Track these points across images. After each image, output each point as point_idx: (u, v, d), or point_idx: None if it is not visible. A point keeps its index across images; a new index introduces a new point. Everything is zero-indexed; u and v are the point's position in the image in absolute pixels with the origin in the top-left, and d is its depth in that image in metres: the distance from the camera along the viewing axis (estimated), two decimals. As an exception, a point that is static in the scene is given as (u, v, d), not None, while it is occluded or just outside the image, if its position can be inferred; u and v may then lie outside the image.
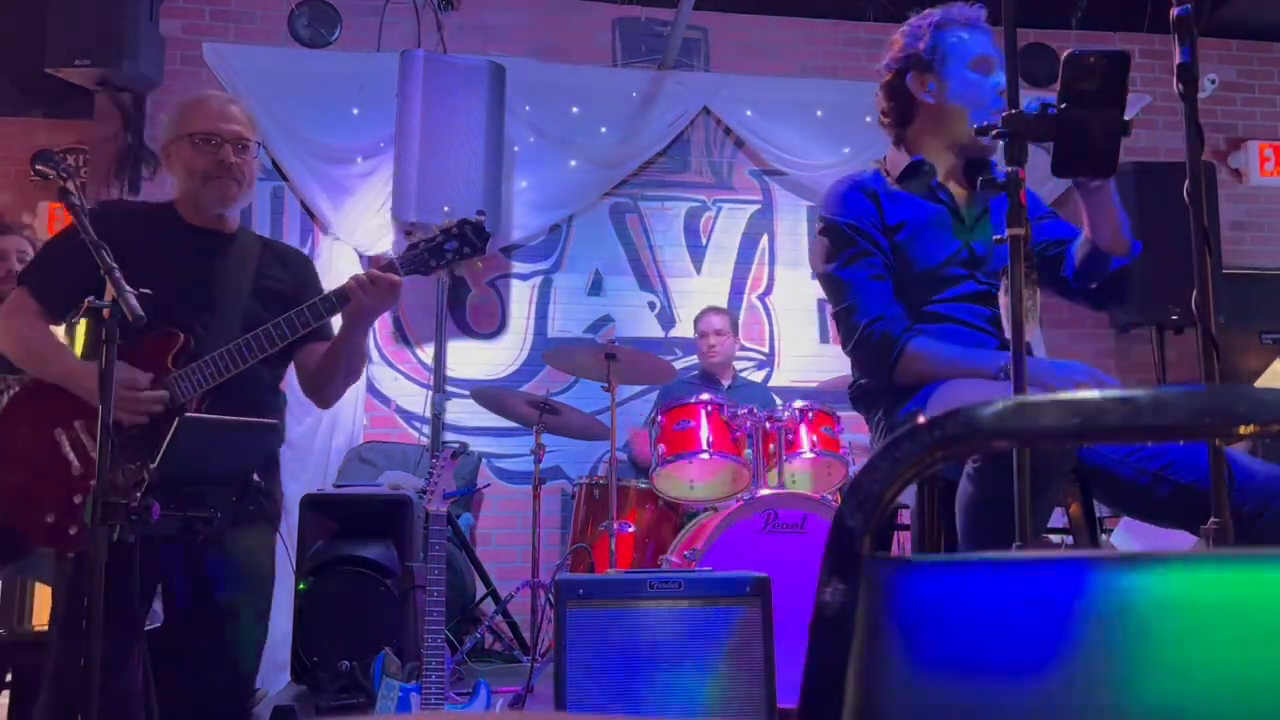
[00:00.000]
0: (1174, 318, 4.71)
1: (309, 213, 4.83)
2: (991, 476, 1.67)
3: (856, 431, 4.49)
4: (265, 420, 2.15)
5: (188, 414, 1.98)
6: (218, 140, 2.15)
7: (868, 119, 5.29)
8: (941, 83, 2.15)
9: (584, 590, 2.49)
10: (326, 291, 2.15)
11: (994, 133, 1.47)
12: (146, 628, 2.06)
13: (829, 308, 2.23)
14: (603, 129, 5.14)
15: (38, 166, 1.89)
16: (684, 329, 5.10)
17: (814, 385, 4.82)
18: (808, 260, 5.31)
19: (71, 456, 1.98)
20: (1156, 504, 1.81)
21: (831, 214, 2.16)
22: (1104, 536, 3.24)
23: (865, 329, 2.03)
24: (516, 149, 4.98)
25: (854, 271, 2.08)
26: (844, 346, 2.13)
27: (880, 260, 2.09)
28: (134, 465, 1.93)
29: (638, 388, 4.94)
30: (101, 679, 1.67)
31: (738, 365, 4.86)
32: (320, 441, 4.61)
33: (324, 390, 2.34)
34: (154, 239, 2.13)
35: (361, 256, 4.83)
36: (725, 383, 4.56)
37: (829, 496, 3.53)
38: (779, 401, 4.34)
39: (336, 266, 4.71)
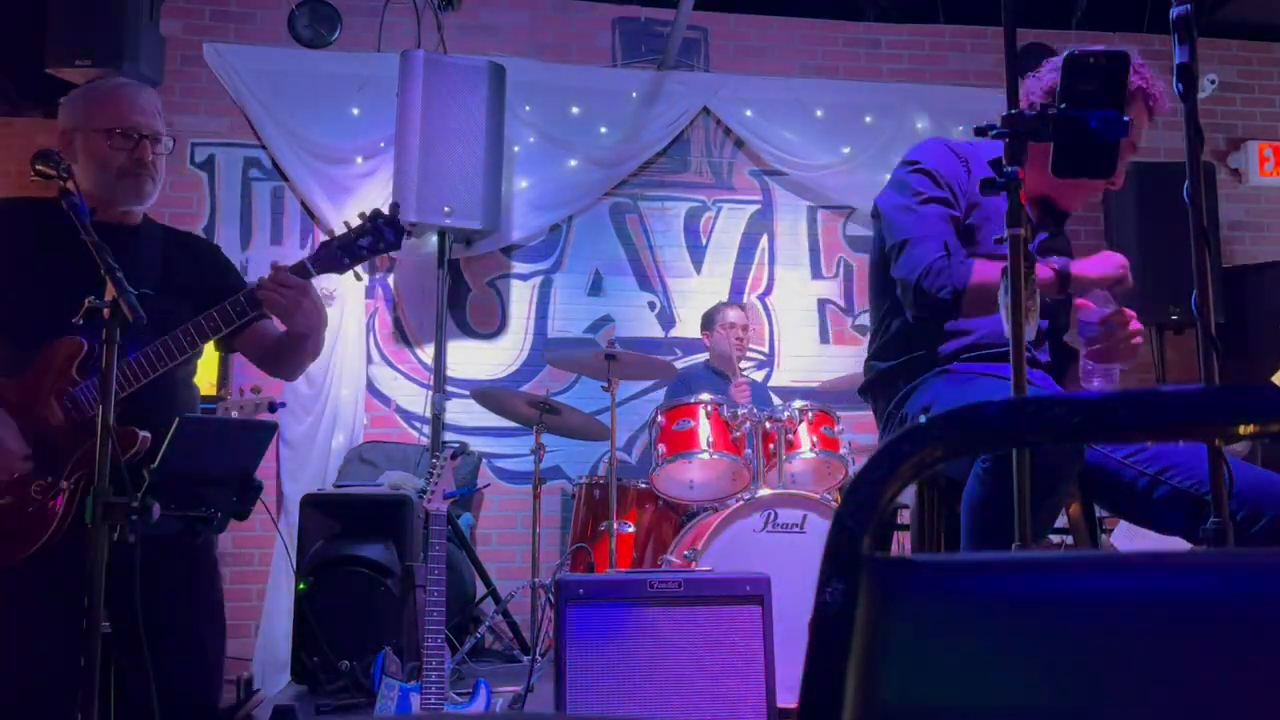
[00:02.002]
0: (1174, 318, 4.70)
1: (309, 213, 4.83)
2: (1001, 478, 1.67)
3: (857, 431, 4.49)
4: (265, 420, 2.13)
5: (187, 414, 1.97)
6: (137, 136, 2.07)
7: (868, 119, 5.30)
8: None
9: (584, 590, 2.49)
10: (239, 293, 2.06)
11: (993, 133, 1.47)
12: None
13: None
14: (603, 129, 5.14)
15: (38, 166, 1.85)
16: (684, 329, 5.10)
17: (814, 385, 4.83)
18: (805, 258, 5.31)
19: None
20: (1152, 507, 1.81)
21: (919, 158, 2.09)
22: (1104, 536, 3.24)
23: (935, 261, 1.94)
24: (516, 149, 4.98)
25: (927, 210, 2.02)
26: (901, 281, 2.01)
27: (954, 211, 2.02)
28: (47, 479, 1.89)
29: (638, 388, 4.94)
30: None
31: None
32: (320, 441, 4.61)
33: (286, 374, 2.28)
34: (45, 235, 2.03)
35: (361, 256, 4.83)
36: (734, 380, 4.57)
37: (829, 496, 3.53)
38: (779, 401, 4.34)
39: (336, 266, 4.71)
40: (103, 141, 2.07)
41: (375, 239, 2.11)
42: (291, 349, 2.18)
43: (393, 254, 4.83)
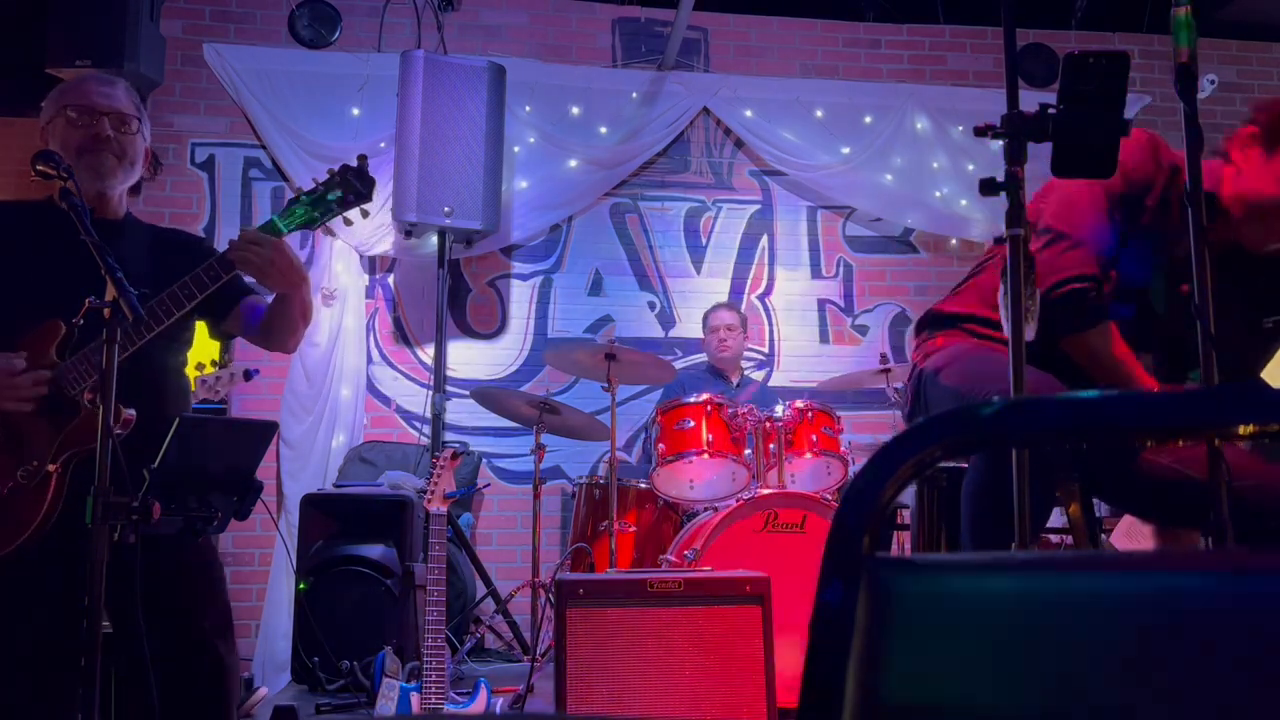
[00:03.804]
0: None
1: (309, 213, 4.83)
2: (995, 462, 1.67)
3: (857, 431, 4.49)
4: (264, 420, 2.11)
5: (186, 414, 1.96)
6: (94, 114, 2.04)
7: (868, 119, 5.30)
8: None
9: (584, 590, 2.49)
10: (210, 260, 2.02)
11: (993, 133, 1.47)
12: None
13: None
14: (603, 129, 5.14)
15: (39, 166, 1.85)
16: (684, 329, 5.11)
17: (814, 385, 4.83)
18: (805, 258, 5.31)
19: None
20: (1168, 501, 1.80)
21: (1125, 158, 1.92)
22: (1104, 537, 3.24)
23: (1077, 281, 1.86)
24: (516, 149, 4.98)
25: (1098, 213, 1.90)
26: (1039, 268, 1.88)
27: (1129, 231, 1.90)
28: (33, 464, 1.87)
29: (638, 388, 4.94)
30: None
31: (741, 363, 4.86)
32: (320, 441, 4.61)
33: (281, 343, 2.22)
34: (34, 232, 2.03)
35: (362, 257, 4.83)
36: (734, 380, 4.57)
37: (829, 496, 3.53)
38: (779, 401, 4.34)
39: (336, 266, 4.71)
40: (64, 123, 2.05)
41: (345, 191, 2.07)
42: (280, 316, 2.14)
43: (391, 253, 4.85)
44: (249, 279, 2.10)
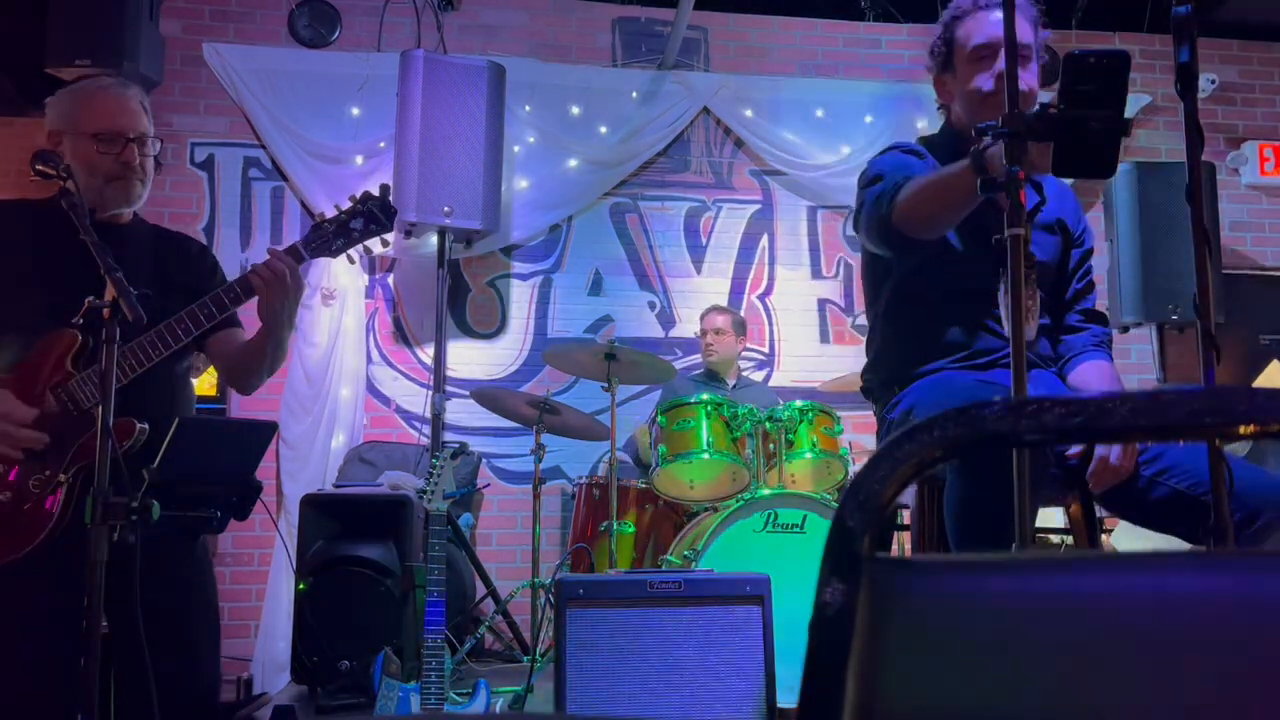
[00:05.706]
0: (1174, 317, 4.70)
1: (309, 213, 4.83)
2: (970, 477, 1.67)
3: (857, 431, 4.49)
4: (264, 420, 2.12)
5: (187, 415, 1.97)
6: (123, 140, 2.06)
7: (868, 119, 5.30)
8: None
9: (584, 590, 2.49)
10: (230, 281, 2.05)
11: (993, 133, 1.47)
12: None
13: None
14: (603, 129, 5.14)
15: (38, 166, 1.85)
16: (684, 329, 5.10)
17: (814, 385, 4.82)
18: (805, 258, 5.32)
19: None
20: (1151, 508, 1.81)
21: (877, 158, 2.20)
22: (1104, 536, 3.24)
23: (872, 198, 2.05)
24: (516, 149, 4.98)
25: (894, 155, 2.12)
26: (860, 231, 2.14)
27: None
28: (45, 474, 1.88)
29: (638, 388, 4.94)
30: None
31: (739, 365, 4.86)
32: (320, 441, 4.61)
33: (244, 382, 2.22)
34: (35, 232, 2.04)
35: (361, 257, 4.82)
36: (730, 382, 4.56)
37: (829, 496, 3.53)
38: (780, 402, 4.34)
39: (335, 266, 4.71)
40: (90, 145, 2.05)
41: (367, 220, 2.08)
42: (253, 352, 2.14)
43: (391, 253, 4.85)
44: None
